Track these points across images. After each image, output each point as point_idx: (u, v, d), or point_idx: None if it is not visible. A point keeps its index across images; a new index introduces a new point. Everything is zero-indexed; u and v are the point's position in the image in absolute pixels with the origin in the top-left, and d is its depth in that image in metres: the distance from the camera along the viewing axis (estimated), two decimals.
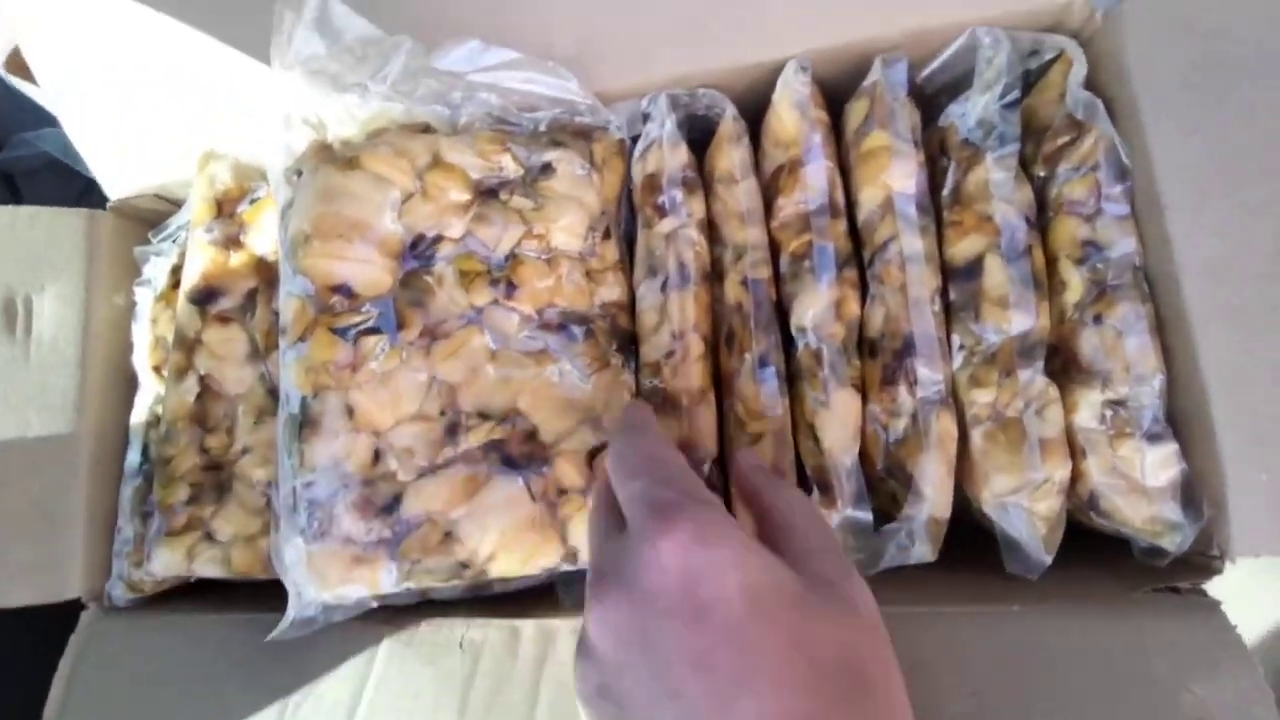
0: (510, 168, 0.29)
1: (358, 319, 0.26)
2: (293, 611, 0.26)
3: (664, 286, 0.29)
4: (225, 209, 0.33)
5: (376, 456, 0.26)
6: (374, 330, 0.26)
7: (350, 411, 0.25)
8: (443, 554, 0.25)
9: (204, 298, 0.32)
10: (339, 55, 0.27)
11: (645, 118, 0.30)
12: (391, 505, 0.25)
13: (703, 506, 0.17)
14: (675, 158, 0.29)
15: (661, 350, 0.28)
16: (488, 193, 0.28)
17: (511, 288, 0.28)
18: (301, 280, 0.26)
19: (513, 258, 0.28)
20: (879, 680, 0.16)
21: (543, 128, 0.30)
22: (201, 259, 0.33)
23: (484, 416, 0.27)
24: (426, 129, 0.29)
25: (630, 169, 0.31)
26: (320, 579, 0.25)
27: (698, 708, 0.15)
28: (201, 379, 0.32)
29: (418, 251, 0.27)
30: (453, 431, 0.26)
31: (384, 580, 0.25)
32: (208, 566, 0.31)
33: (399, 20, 0.28)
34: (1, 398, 0.35)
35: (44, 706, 0.32)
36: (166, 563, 0.31)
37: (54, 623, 0.35)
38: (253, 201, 0.33)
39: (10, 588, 0.33)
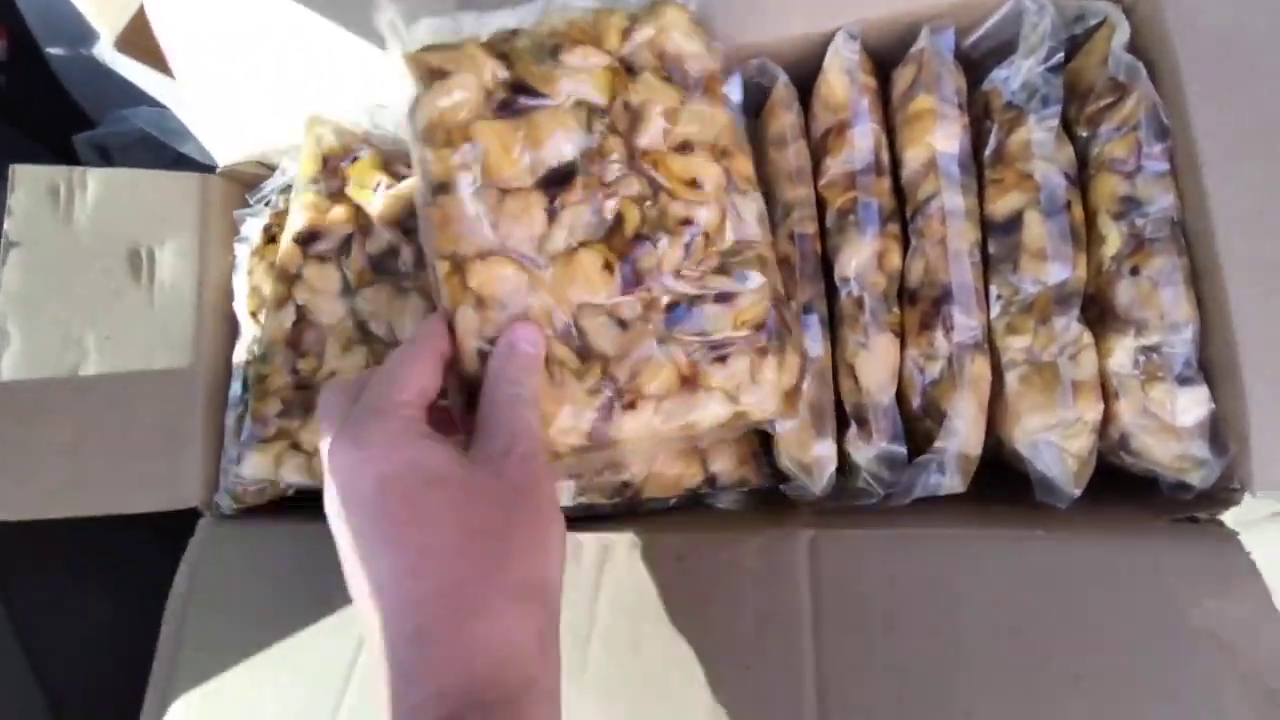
0: None
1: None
2: None
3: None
4: (330, 165, 0.37)
5: None
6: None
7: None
8: (610, 476, 0.30)
9: (307, 239, 0.37)
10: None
11: None
12: None
13: (370, 416, 0.22)
14: None
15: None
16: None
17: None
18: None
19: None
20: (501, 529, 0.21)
21: None
22: (307, 207, 0.37)
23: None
24: None
25: None
26: None
27: (350, 562, 0.22)
28: (298, 309, 0.37)
29: None
30: None
31: (562, 496, 0.29)
32: (293, 473, 0.36)
33: None
34: (130, 335, 0.41)
35: (165, 600, 0.38)
36: (255, 465, 0.36)
37: (166, 530, 0.40)
38: (354, 160, 0.37)
39: (139, 496, 0.39)
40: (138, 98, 0.65)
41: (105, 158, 0.71)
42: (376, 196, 0.36)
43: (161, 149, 0.65)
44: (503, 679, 0.20)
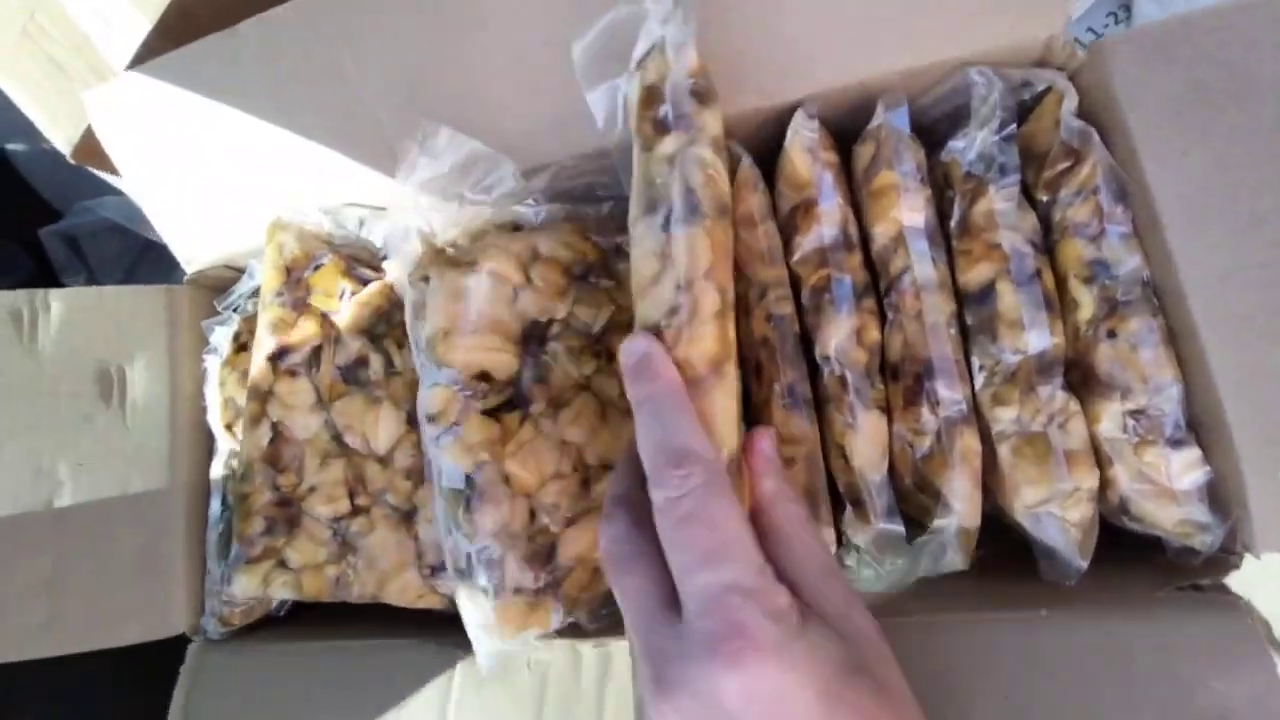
0: (592, 253, 0.32)
1: (498, 400, 0.29)
2: (483, 660, 0.28)
3: (666, 223, 0.22)
4: (293, 274, 0.37)
5: (531, 515, 0.29)
6: (512, 406, 0.29)
7: (507, 479, 0.28)
8: (595, 588, 0.29)
9: (276, 354, 0.36)
10: (448, 173, 0.31)
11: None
12: (550, 554, 0.29)
13: (773, 626, 0.17)
14: (684, 62, 0.23)
15: (662, 307, 0.21)
16: (579, 278, 0.32)
17: (610, 356, 0.31)
18: (448, 371, 0.29)
19: (606, 329, 0.31)
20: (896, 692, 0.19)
21: (606, 211, 0.33)
22: (274, 323, 0.36)
23: (606, 467, 0.30)
24: (516, 227, 0.33)
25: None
26: (503, 628, 0.27)
27: None
28: (274, 425, 0.36)
29: (534, 335, 0.30)
30: (585, 484, 0.30)
31: (553, 619, 0.28)
32: (282, 590, 0.35)
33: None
34: (104, 460, 0.39)
35: None
36: (245, 586, 0.35)
37: (145, 658, 0.38)
38: (317, 268, 0.37)
39: (121, 628, 0.37)
40: (102, 187, 0.64)
41: (74, 248, 0.70)
42: (343, 305, 0.36)
43: (130, 235, 0.64)
44: None
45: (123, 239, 0.66)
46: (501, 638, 0.27)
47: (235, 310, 0.43)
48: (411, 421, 0.34)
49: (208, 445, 0.41)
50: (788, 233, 0.32)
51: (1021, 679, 0.25)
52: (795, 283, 0.32)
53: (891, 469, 0.30)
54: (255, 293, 0.42)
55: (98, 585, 0.38)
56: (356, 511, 0.34)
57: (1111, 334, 0.27)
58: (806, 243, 0.31)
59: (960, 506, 0.27)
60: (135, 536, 0.38)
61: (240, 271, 0.43)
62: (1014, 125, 0.29)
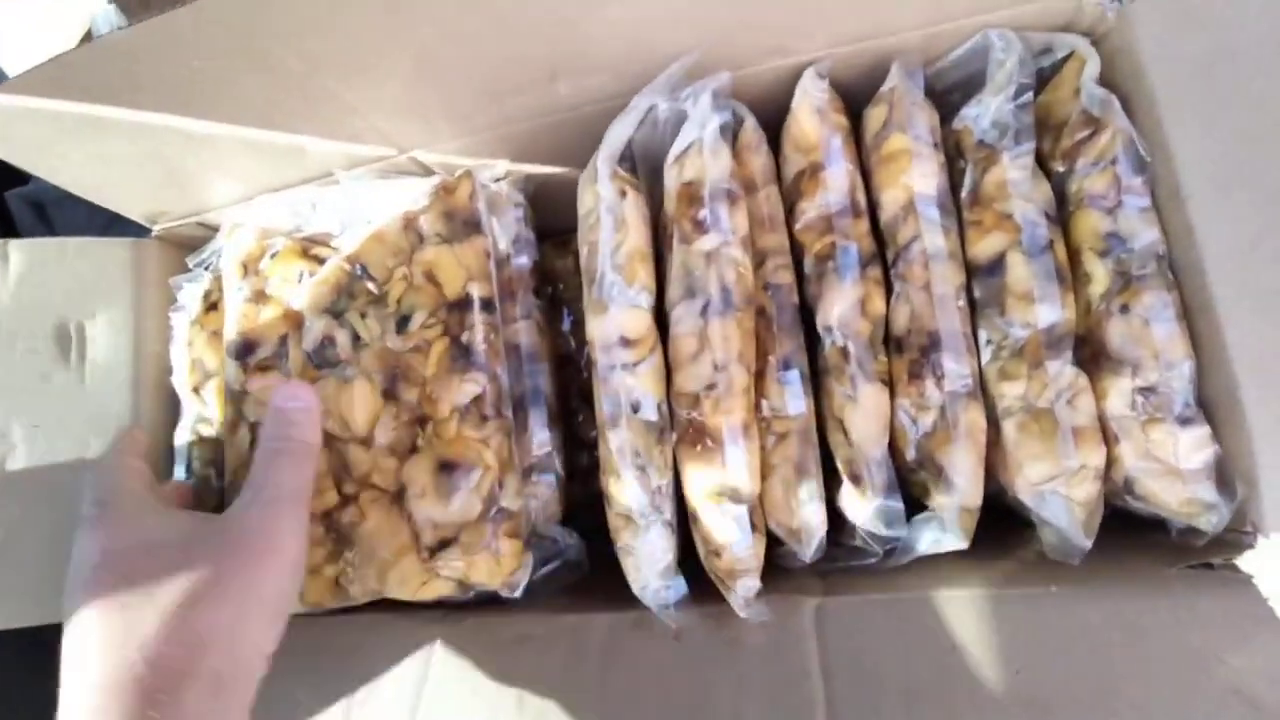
0: None
1: None
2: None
3: (704, 311, 0.27)
4: (250, 267, 0.35)
5: None
6: None
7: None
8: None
9: (243, 351, 0.34)
10: None
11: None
12: None
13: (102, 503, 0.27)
14: (718, 166, 0.28)
15: (701, 382, 0.27)
16: None
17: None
18: (645, 294, 0.28)
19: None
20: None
21: None
22: (236, 316, 0.35)
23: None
24: None
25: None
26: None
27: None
28: (251, 426, 0.34)
29: None
30: None
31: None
32: None
33: None
34: (61, 421, 0.37)
35: None
36: None
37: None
38: (272, 256, 0.35)
39: None
40: None
41: (40, 214, 0.67)
42: (301, 287, 0.34)
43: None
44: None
45: (91, 206, 0.63)
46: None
47: (207, 268, 0.41)
48: (387, 394, 0.32)
49: (172, 409, 0.39)
50: (791, 199, 0.30)
51: (1031, 655, 0.24)
52: (797, 252, 0.30)
53: (890, 445, 0.28)
54: None
55: (50, 555, 0.36)
56: (345, 501, 0.32)
57: (1124, 309, 0.26)
58: (811, 209, 0.29)
59: (963, 484, 0.26)
60: None
61: (214, 230, 0.41)
62: (1030, 93, 0.28)
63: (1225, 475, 0.25)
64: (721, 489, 0.26)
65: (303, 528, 0.26)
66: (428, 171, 0.36)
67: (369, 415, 0.32)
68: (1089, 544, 0.25)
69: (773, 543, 0.29)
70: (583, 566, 0.33)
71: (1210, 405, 0.25)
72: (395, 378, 0.31)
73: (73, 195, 0.51)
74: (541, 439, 0.34)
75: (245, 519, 0.25)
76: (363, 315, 0.33)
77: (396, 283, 0.33)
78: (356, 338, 0.33)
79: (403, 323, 0.32)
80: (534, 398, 0.34)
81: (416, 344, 0.32)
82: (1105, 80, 0.27)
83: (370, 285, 0.33)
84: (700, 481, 0.26)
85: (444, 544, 0.30)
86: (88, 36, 0.45)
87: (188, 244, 0.41)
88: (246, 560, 0.24)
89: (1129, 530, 0.28)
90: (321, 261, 0.34)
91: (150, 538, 0.25)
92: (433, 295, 0.32)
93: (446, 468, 0.30)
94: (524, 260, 0.36)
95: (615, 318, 0.27)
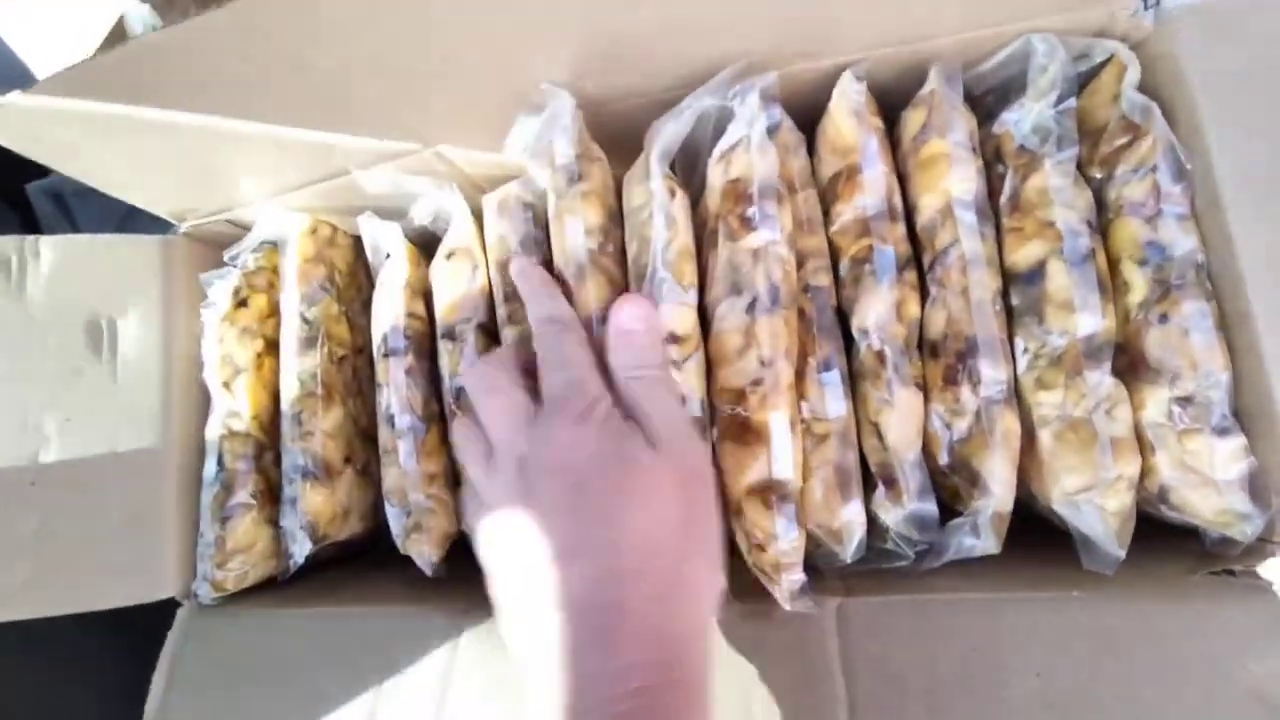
0: None
1: None
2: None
3: (751, 308, 0.27)
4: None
5: None
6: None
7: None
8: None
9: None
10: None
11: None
12: None
13: (578, 397, 0.24)
14: (765, 164, 0.28)
15: (747, 377, 0.27)
16: None
17: None
18: (692, 292, 0.28)
19: None
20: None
21: None
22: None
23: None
24: None
25: None
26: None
27: (535, 529, 0.22)
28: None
29: None
30: None
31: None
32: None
33: None
34: (92, 415, 0.37)
35: (143, 702, 0.35)
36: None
37: (143, 624, 0.37)
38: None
39: (108, 589, 0.35)
40: None
41: (60, 204, 0.67)
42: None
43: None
44: (690, 660, 0.21)
45: (110, 197, 0.64)
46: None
47: (236, 264, 0.41)
48: None
49: (203, 404, 0.39)
50: (827, 201, 0.30)
51: (1053, 658, 0.24)
52: (831, 254, 0.30)
53: (923, 450, 0.29)
54: (259, 246, 0.41)
55: (84, 544, 0.36)
56: None
57: (1163, 318, 0.26)
58: (847, 211, 0.29)
59: (998, 490, 0.26)
60: (123, 496, 0.37)
61: (245, 228, 0.41)
62: (1073, 99, 0.27)
63: (1259, 486, 0.25)
64: (766, 483, 0.26)
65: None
66: (452, 168, 0.36)
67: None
68: (1122, 554, 0.26)
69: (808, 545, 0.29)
70: None
71: (1244, 417, 0.25)
72: None
73: (92, 188, 0.51)
74: None
75: (689, 457, 0.24)
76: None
77: None
78: None
79: None
80: None
81: None
82: (1143, 87, 0.27)
83: None
84: (744, 476, 0.27)
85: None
86: (115, 34, 0.44)
87: (215, 241, 0.41)
88: (708, 508, 0.24)
89: (1151, 535, 0.28)
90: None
91: (628, 452, 0.24)
92: None
93: None
94: (534, 260, 0.36)
95: (665, 314, 0.27)
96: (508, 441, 0.24)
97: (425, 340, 0.36)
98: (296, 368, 0.37)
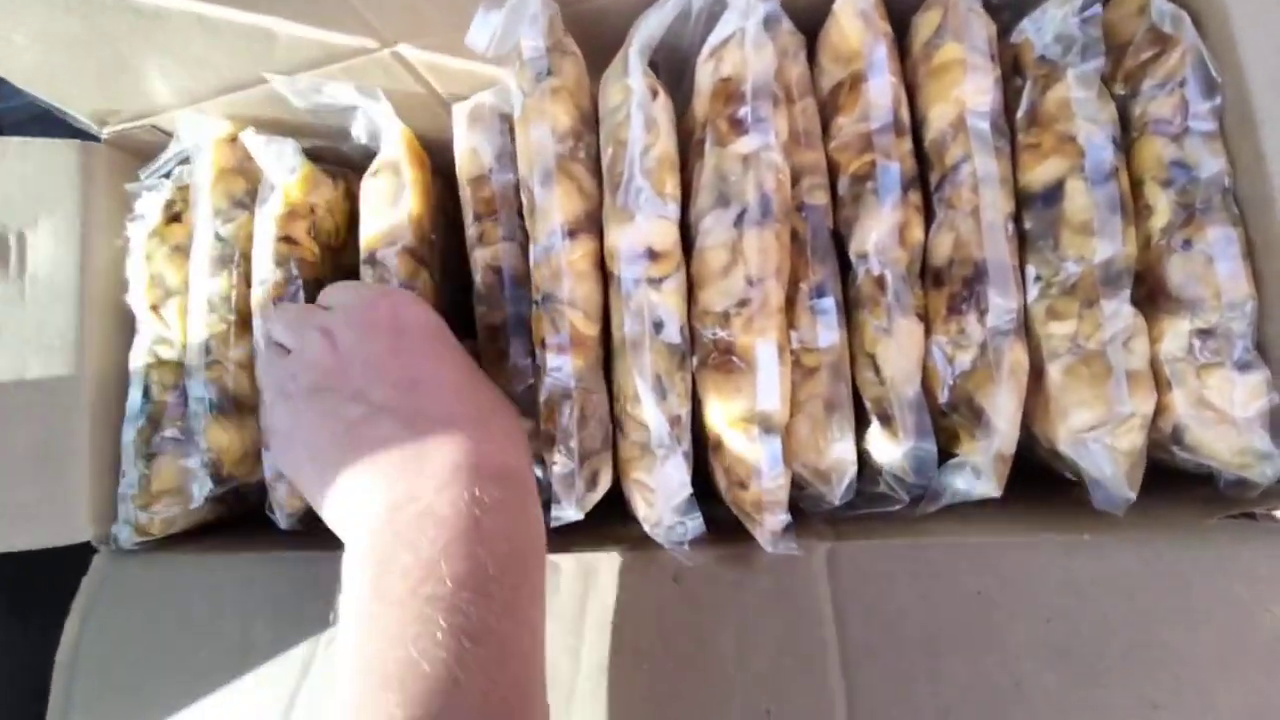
0: None
1: None
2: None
3: (739, 220, 0.24)
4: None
5: None
6: None
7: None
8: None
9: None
10: None
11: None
12: None
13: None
14: (761, 60, 0.25)
15: (732, 298, 0.24)
16: None
17: None
18: (673, 205, 0.25)
19: None
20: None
21: None
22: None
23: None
24: None
25: None
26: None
27: (381, 368, 0.25)
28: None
29: None
30: None
31: None
32: None
33: None
34: None
35: (39, 653, 0.31)
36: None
37: (66, 567, 0.33)
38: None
39: (12, 531, 0.32)
40: None
41: None
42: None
43: (60, 126, 0.56)
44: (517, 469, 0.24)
45: (46, 130, 0.58)
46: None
47: (166, 176, 0.37)
48: None
49: (125, 329, 0.35)
50: (827, 115, 0.28)
51: (1064, 603, 0.23)
52: (831, 171, 0.28)
53: (922, 389, 0.26)
54: (187, 159, 0.36)
55: None
56: None
57: (1186, 244, 0.24)
58: (849, 124, 0.27)
59: (1004, 427, 0.24)
60: (31, 428, 0.33)
61: (168, 135, 0.36)
62: (1098, 5, 0.25)
63: (1279, 424, 0.23)
64: (750, 414, 0.24)
65: None
66: (415, 75, 0.32)
67: None
68: (1133, 495, 0.24)
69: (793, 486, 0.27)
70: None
71: (1268, 349, 0.24)
72: None
73: (35, 118, 0.45)
74: (524, 368, 0.31)
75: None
76: None
77: None
78: None
79: None
80: (515, 325, 0.31)
81: None
82: None
83: None
84: (726, 407, 0.24)
85: None
86: None
87: (142, 152, 0.37)
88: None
89: (1162, 484, 0.27)
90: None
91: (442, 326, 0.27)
92: None
93: None
94: (508, 177, 0.32)
95: (642, 227, 0.24)
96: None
97: (307, 268, 0.33)
98: (207, 289, 0.33)
